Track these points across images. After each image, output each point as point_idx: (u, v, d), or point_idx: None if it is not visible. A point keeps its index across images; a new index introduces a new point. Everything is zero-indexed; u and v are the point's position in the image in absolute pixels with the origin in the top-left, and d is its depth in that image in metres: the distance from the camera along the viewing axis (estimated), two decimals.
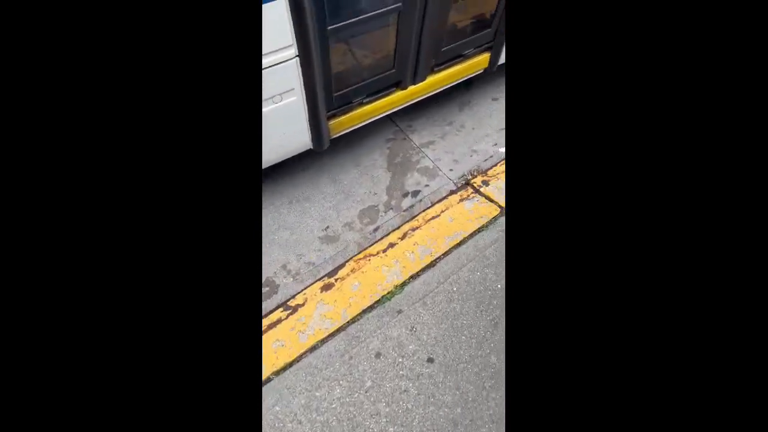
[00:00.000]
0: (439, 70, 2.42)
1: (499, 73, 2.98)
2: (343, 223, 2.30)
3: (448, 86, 2.57)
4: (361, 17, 1.80)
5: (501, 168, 2.46)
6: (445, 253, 2.08)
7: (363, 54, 2.09)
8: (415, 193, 2.45)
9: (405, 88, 2.34)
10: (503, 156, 2.57)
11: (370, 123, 2.41)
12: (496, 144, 2.67)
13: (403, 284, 1.97)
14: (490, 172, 2.44)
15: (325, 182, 2.49)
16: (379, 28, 1.97)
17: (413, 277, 2.00)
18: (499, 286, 1.96)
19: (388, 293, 1.94)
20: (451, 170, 2.54)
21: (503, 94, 2.97)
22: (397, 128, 2.78)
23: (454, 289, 1.96)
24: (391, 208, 2.38)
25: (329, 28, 1.73)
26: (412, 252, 2.08)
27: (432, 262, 2.04)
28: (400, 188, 2.48)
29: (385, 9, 1.84)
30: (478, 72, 2.62)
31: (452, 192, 2.39)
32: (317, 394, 1.66)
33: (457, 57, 2.44)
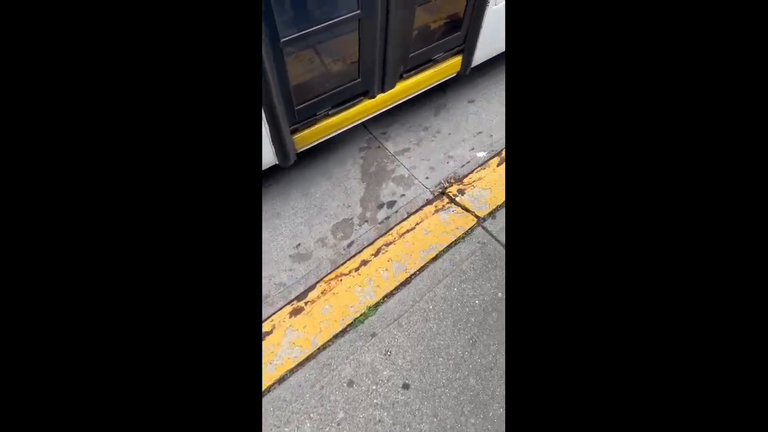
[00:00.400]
0: (409, 76, 2.32)
1: (474, 75, 2.90)
2: (315, 239, 2.21)
3: (420, 92, 2.48)
4: (316, 27, 1.69)
5: (477, 175, 2.38)
6: (421, 269, 1.99)
7: (325, 64, 1.98)
8: (391, 204, 2.36)
9: (373, 96, 2.24)
10: (480, 161, 2.49)
11: (342, 132, 2.31)
12: (473, 149, 2.59)
13: (377, 305, 1.88)
14: (465, 180, 2.36)
15: (295, 196, 2.39)
16: (338, 36, 1.86)
17: (387, 296, 1.91)
18: (477, 302, 1.87)
19: (361, 315, 1.85)
20: (427, 178, 2.45)
21: (479, 96, 2.88)
22: (370, 136, 2.68)
23: (430, 307, 1.87)
24: (366, 221, 2.29)
25: (283, 39, 1.63)
26: (386, 269, 1.99)
27: (407, 279, 1.96)
28: (375, 199, 2.38)
29: (342, 17, 1.73)
30: (451, 76, 2.53)
31: (428, 202, 2.30)
32: (286, 430, 1.56)
33: (428, 62, 2.35)
